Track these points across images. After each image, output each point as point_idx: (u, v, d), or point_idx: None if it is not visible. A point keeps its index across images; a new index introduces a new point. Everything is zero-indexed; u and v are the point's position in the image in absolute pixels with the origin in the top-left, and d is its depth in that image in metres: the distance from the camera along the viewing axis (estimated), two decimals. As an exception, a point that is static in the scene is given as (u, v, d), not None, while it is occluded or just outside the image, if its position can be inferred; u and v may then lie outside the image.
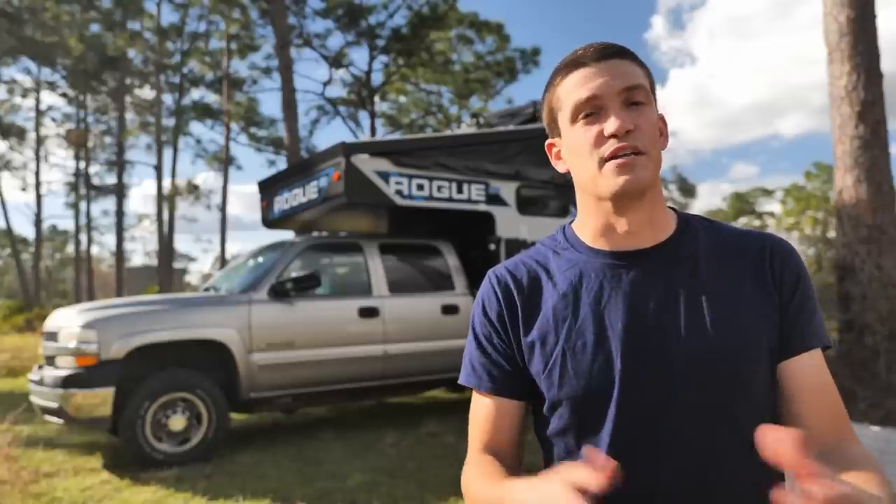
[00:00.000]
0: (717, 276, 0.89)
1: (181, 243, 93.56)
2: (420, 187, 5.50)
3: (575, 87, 0.87)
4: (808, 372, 0.87)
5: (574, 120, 0.88)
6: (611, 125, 0.84)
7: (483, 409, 0.96)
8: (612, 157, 0.85)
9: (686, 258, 0.90)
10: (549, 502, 0.65)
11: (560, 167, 0.96)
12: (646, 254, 0.91)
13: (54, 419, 4.38)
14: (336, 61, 22.73)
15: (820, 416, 0.85)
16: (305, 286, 4.96)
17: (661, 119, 0.93)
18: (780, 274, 0.89)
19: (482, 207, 5.81)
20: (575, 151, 0.90)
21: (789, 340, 0.88)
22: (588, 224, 0.94)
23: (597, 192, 0.89)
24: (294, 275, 5.01)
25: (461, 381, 0.99)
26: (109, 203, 40.52)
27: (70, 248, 44.37)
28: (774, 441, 0.58)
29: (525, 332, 0.93)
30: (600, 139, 0.85)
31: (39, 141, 29.41)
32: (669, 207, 0.97)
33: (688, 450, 0.84)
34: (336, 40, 49.34)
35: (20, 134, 28.35)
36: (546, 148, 0.99)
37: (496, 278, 0.99)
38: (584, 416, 0.88)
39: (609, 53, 0.87)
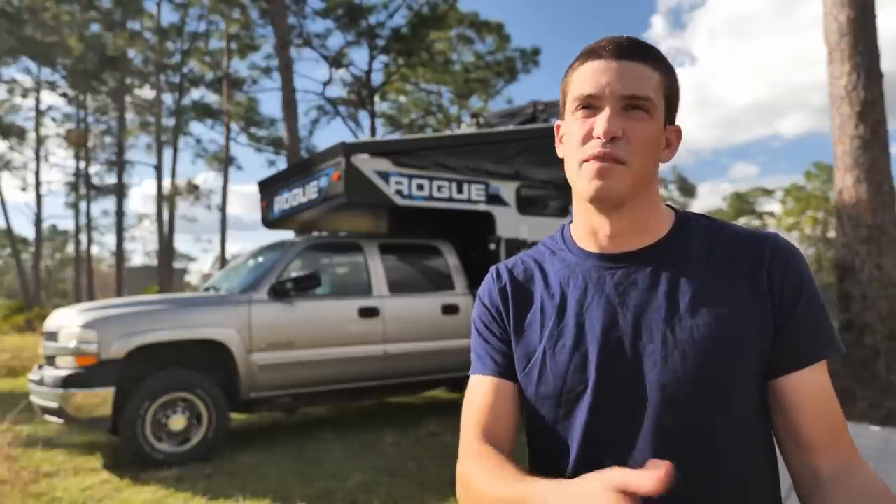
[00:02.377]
0: (707, 280, 0.86)
1: (181, 243, 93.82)
2: (420, 187, 5.49)
3: (582, 79, 0.86)
4: (808, 388, 0.83)
5: (573, 110, 0.88)
6: (598, 126, 0.83)
7: (482, 394, 0.94)
8: (591, 159, 0.84)
9: (675, 261, 0.88)
10: None
11: (559, 151, 0.95)
12: (633, 256, 0.90)
13: (54, 419, 4.38)
14: (336, 61, 22.74)
15: (820, 435, 0.83)
16: (305, 286, 4.96)
17: (676, 131, 0.92)
18: (779, 283, 0.85)
19: (482, 207, 5.81)
20: (567, 142, 0.90)
21: (788, 355, 0.84)
22: (578, 225, 0.95)
23: (575, 190, 0.89)
24: (294, 275, 5.01)
25: (470, 373, 1.00)
26: (109, 203, 40.67)
27: (70, 248, 44.42)
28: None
29: (516, 328, 0.95)
30: (588, 137, 0.85)
31: (39, 141, 29.44)
32: (669, 206, 0.95)
33: (660, 456, 0.81)
34: (336, 40, 49.40)
35: (20, 134, 28.37)
36: (555, 128, 0.98)
37: (496, 273, 1.02)
38: (557, 416, 0.89)
39: (627, 53, 0.85)
